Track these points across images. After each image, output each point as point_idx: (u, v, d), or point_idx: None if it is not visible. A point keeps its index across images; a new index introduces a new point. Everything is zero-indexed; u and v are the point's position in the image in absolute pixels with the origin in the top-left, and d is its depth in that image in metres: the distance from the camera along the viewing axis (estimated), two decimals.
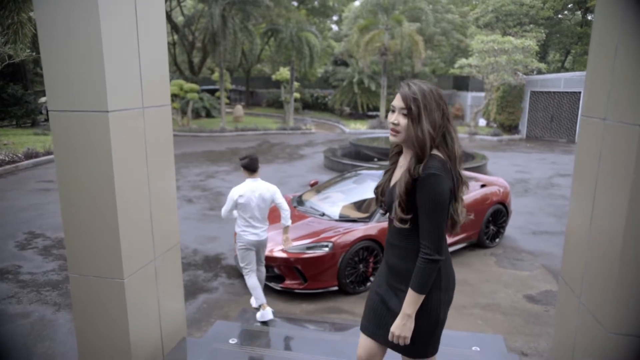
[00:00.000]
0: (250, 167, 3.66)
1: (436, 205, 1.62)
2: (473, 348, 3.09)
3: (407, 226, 1.67)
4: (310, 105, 27.44)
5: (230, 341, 3.03)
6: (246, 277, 3.74)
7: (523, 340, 3.55)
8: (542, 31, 23.14)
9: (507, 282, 4.58)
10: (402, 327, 1.68)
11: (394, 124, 1.69)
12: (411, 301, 1.66)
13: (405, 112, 1.66)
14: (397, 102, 1.69)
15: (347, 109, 25.60)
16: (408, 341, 1.71)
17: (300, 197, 5.22)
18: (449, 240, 5.06)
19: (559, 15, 26.59)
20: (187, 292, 4.17)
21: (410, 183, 1.65)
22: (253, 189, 3.63)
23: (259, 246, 3.75)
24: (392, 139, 1.71)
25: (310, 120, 22.61)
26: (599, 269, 2.22)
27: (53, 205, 7.51)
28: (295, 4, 25.91)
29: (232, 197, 3.63)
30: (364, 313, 1.92)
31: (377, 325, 1.83)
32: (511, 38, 17.56)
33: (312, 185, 5.70)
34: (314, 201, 5.00)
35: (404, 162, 1.78)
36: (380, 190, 1.86)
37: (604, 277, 2.15)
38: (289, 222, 3.69)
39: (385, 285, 1.83)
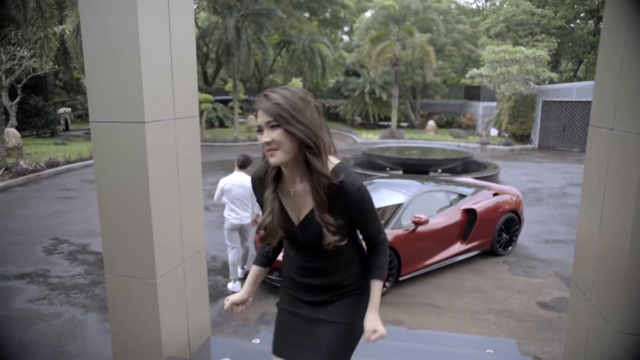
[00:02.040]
0: (241, 163, 4.70)
1: (373, 207, 1.55)
2: (487, 351, 3.18)
3: (344, 243, 1.51)
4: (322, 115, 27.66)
5: (254, 341, 3.17)
6: (229, 254, 4.71)
7: (536, 345, 3.63)
8: (554, 40, 23.17)
9: (520, 289, 4.66)
10: (378, 321, 1.59)
11: (267, 143, 1.43)
12: (379, 291, 1.61)
13: (274, 124, 1.42)
14: (261, 118, 1.44)
15: (359, 119, 25.79)
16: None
17: None
18: (463, 247, 5.17)
19: (571, 25, 26.59)
20: (209, 296, 4.32)
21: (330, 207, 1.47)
22: (235, 180, 4.58)
23: (241, 229, 4.72)
24: (272, 160, 1.45)
25: None
26: (609, 272, 2.32)
27: (74, 213, 7.75)
28: (307, 15, 26.31)
29: (220, 185, 4.64)
30: (279, 335, 1.75)
31: (300, 346, 1.67)
32: (522, 48, 17.65)
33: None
34: None
35: (296, 187, 1.54)
36: (276, 225, 1.56)
37: (614, 279, 2.26)
38: (259, 212, 4.56)
39: (307, 307, 1.67)
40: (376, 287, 1.61)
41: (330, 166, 1.47)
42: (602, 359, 2.38)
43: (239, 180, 4.61)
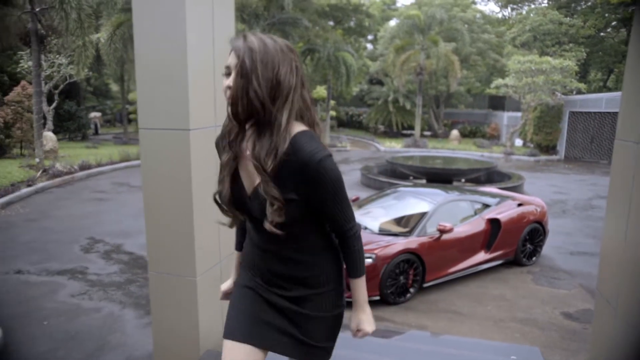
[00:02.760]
0: None
1: (340, 189, 1.31)
2: (511, 357, 3.25)
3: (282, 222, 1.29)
4: (345, 123, 27.88)
5: None
6: None
7: (561, 355, 3.67)
8: (583, 50, 22.81)
9: (544, 299, 4.68)
10: (364, 319, 1.51)
11: (228, 87, 1.25)
12: (361, 288, 1.49)
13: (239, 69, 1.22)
14: (231, 58, 1.26)
15: (382, 127, 25.86)
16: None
17: None
18: (487, 256, 5.22)
19: (602, 34, 26.11)
20: None
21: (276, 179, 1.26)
22: None
23: None
24: (229, 110, 1.27)
25: (346, 137, 22.98)
26: (634, 282, 2.38)
27: (108, 215, 8.07)
28: (332, 23, 26.58)
29: None
30: (235, 317, 1.48)
31: (269, 328, 1.45)
32: (549, 58, 17.48)
33: (353, 200, 5.99)
34: (357, 215, 5.28)
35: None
36: (226, 196, 1.36)
37: (636, 277, 2.32)
38: None
39: (281, 299, 1.45)
40: (356, 285, 1.48)
41: (294, 132, 1.27)
42: None
43: None
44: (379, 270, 4.28)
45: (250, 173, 1.34)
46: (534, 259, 5.68)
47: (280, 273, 1.43)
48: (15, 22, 10.29)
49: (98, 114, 25.31)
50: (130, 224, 7.28)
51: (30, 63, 12.92)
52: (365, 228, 4.92)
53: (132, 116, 24.09)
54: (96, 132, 23.58)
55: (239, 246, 1.68)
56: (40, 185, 10.13)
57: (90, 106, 27.25)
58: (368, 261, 4.28)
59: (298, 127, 1.29)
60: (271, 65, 1.22)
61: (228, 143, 1.33)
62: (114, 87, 30.27)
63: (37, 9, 10.39)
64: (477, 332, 3.94)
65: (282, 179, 1.27)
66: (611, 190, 2.72)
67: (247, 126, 1.30)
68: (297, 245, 1.39)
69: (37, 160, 11.41)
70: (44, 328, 3.83)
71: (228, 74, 1.26)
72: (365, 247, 4.36)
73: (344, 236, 1.40)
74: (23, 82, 12.71)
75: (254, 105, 1.22)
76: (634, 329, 2.33)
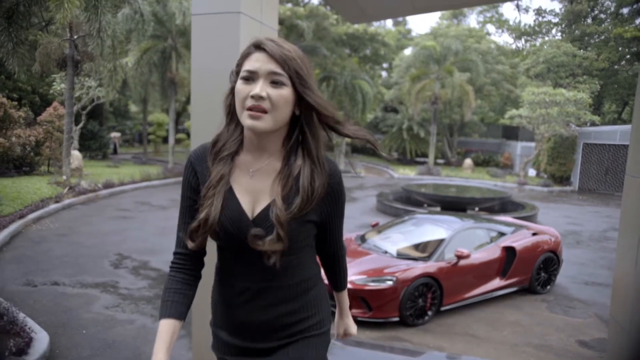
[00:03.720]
0: None
1: (345, 198, 1.27)
2: None
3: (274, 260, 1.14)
4: (359, 149, 28.25)
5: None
6: None
7: None
8: (597, 82, 23.04)
9: (559, 326, 4.82)
10: (350, 323, 1.53)
11: (259, 97, 1.08)
12: (347, 295, 1.51)
13: (280, 80, 1.10)
14: (263, 64, 1.09)
15: (395, 154, 26.17)
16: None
17: (363, 236, 5.74)
18: (502, 283, 5.38)
19: (615, 66, 26.36)
20: None
21: (322, 196, 1.16)
22: None
23: None
24: (255, 124, 1.09)
25: (360, 164, 23.30)
26: None
27: (133, 232, 8.38)
28: (348, 51, 27.30)
29: None
30: None
31: None
32: (563, 90, 17.74)
33: (373, 226, 6.24)
34: (376, 240, 5.51)
35: (259, 165, 1.18)
36: (214, 220, 1.13)
37: None
38: None
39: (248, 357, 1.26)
40: (342, 296, 1.49)
41: None
42: None
43: None
44: (399, 293, 4.48)
45: (253, 192, 1.16)
46: (548, 287, 5.81)
47: (263, 320, 1.20)
48: (56, 49, 10.90)
49: (118, 134, 26.06)
50: (155, 242, 7.56)
51: (62, 85, 13.58)
52: (386, 252, 5.14)
53: (150, 137, 24.76)
54: (115, 152, 24.25)
55: (177, 311, 1.20)
56: (67, 201, 10.53)
57: (111, 126, 28.07)
58: (389, 283, 4.48)
59: None
60: (310, 76, 1.14)
61: (223, 156, 1.16)
62: (133, 108, 31.19)
63: (75, 37, 11.02)
64: (493, 355, 4.10)
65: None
66: (622, 222, 2.93)
67: (256, 137, 1.15)
68: (292, 276, 1.20)
69: (64, 177, 11.87)
70: (83, 336, 4.08)
71: (250, 79, 1.10)
72: (386, 270, 4.60)
73: (336, 254, 1.37)
74: (55, 103, 13.31)
75: (287, 119, 1.14)
76: None
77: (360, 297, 4.47)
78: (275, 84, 1.09)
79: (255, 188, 1.17)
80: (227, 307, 1.24)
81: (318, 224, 1.22)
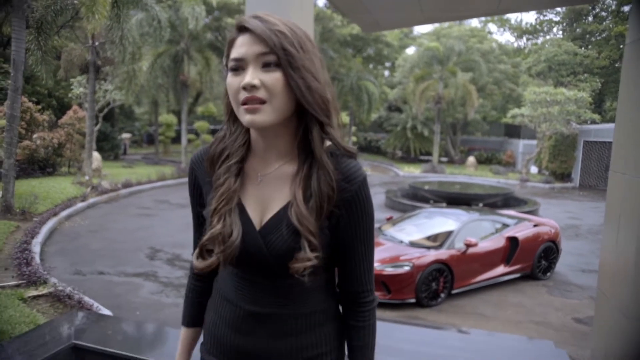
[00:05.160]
0: None
1: (373, 221, 1.04)
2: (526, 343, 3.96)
3: (319, 276, 1.01)
4: (364, 148, 28.80)
5: None
6: None
7: (571, 349, 4.35)
8: (598, 80, 23.50)
9: (558, 307, 5.37)
10: None
11: (252, 87, 0.90)
12: None
13: (271, 60, 0.91)
14: (248, 47, 0.92)
15: (399, 153, 26.71)
16: None
17: (380, 228, 6.30)
18: (506, 269, 5.93)
19: (616, 64, 26.79)
20: None
21: (332, 200, 0.96)
22: None
23: None
24: (253, 119, 0.91)
25: (366, 162, 23.86)
26: (623, 277, 3.12)
27: (159, 228, 8.95)
28: (350, 50, 27.84)
29: None
30: None
31: None
32: (564, 90, 18.24)
33: (388, 219, 6.81)
34: (392, 231, 6.06)
35: (268, 169, 1.02)
36: (237, 238, 0.97)
37: (626, 282, 3.05)
38: None
39: None
40: None
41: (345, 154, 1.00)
42: (620, 346, 3.14)
43: None
44: (415, 277, 5.04)
45: (261, 200, 1.01)
46: (548, 274, 6.36)
47: (266, 353, 1.03)
48: (79, 55, 11.48)
49: (128, 135, 26.67)
50: (182, 237, 8.12)
51: (81, 89, 14.17)
52: (401, 242, 5.69)
53: (160, 137, 25.37)
54: (125, 152, 24.87)
55: (193, 320, 1.19)
56: (91, 200, 11.11)
57: (121, 128, 28.69)
58: (406, 269, 5.04)
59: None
60: (309, 56, 0.93)
61: (231, 164, 1.00)
62: (138, 110, 31.83)
63: (97, 43, 11.60)
64: (499, 330, 4.65)
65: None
66: (607, 211, 3.48)
67: (260, 135, 0.99)
68: (303, 302, 1.03)
69: (86, 177, 12.46)
70: (138, 317, 4.65)
71: (238, 69, 0.92)
72: (402, 257, 5.17)
73: (359, 299, 1.06)
74: (75, 107, 13.90)
75: (292, 108, 0.94)
76: (624, 314, 3.05)
77: (380, 281, 5.02)
78: (268, 66, 0.90)
79: (264, 196, 1.00)
80: (228, 333, 1.05)
81: (333, 242, 1.00)
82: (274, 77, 0.90)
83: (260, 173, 1.02)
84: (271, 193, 1.01)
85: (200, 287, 1.20)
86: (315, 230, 0.95)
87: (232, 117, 1.02)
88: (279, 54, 0.89)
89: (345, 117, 21.44)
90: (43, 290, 4.81)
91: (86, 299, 4.58)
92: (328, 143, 0.99)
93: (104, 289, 5.43)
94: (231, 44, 0.95)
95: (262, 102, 0.91)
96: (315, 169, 0.96)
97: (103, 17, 8.70)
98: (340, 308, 1.12)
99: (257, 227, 1.00)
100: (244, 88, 0.90)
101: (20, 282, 5.04)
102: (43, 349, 2.22)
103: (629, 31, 3.00)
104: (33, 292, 4.75)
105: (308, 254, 0.93)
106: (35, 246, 6.54)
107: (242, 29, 0.93)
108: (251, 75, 0.90)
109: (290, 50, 0.90)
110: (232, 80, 0.93)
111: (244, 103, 0.91)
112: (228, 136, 1.03)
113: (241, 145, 1.02)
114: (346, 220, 0.99)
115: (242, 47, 0.92)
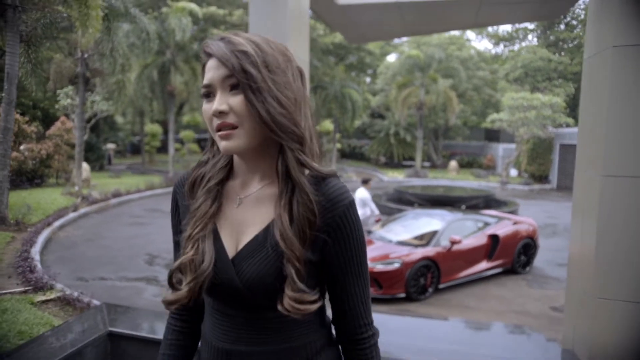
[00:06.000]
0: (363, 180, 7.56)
1: (364, 248, 0.95)
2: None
3: (314, 307, 0.88)
4: (348, 154, 29.26)
5: None
6: None
7: (548, 334, 4.74)
8: (571, 85, 24.43)
9: (536, 297, 5.79)
10: None
11: (220, 113, 0.87)
12: None
13: (235, 82, 0.86)
14: (213, 72, 0.88)
15: (383, 159, 27.23)
16: None
17: (369, 230, 6.66)
18: (489, 265, 6.33)
19: None
20: None
21: (313, 224, 0.88)
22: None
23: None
24: (226, 145, 0.88)
25: (350, 168, 24.28)
26: (586, 263, 3.52)
27: (154, 236, 9.15)
28: (333, 59, 28.38)
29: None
30: None
31: None
32: (539, 95, 18.97)
33: (377, 221, 7.19)
34: (381, 232, 6.43)
35: (249, 191, 0.96)
36: (209, 264, 0.90)
37: (589, 267, 3.45)
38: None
39: None
40: None
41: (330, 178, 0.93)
42: (585, 323, 3.53)
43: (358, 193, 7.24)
44: (404, 273, 5.40)
45: (237, 224, 0.95)
46: (527, 268, 6.79)
47: None
48: (68, 67, 11.65)
49: (112, 146, 26.63)
50: None
51: (68, 100, 14.26)
52: (390, 241, 6.06)
53: (146, 147, 25.41)
54: (109, 163, 24.84)
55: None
56: (82, 210, 11.23)
57: (105, 138, 28.61)
58: (396, 265, 5.39)
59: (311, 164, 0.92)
60: (277, 74, 0.88)
61: (211, 186, 0.96)
62: (119, 120, 31.77)
63: (86, 55, 11.78)
64: (483, 319, 5.03)
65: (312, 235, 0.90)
66: (573, 206, 3.90)
67: (240, 159, 0.96)
68: (288, 340, 0.94)
69: (76, 188, 12.55)
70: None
71: (209, 95, 0.90)
72: (391, 255, 5.52)
73: (357, 338, 0.97)
74: (62, 118, 13.99)
75: (265, 130, 0.87)
76: (588, 291, 3.43)
77: (372, 278, 5.36)
78: (235, 88, 0.87)
79: (240, 220, 0.95)
80: None
81: (320, 274, 0.93)
82: (239, 101, 0.86)
83: (240, 195, 0.96)
84: (248, 216, 0.94)
85: (180, 327, 1.06)
86: (301, 256, 0.86)
87: (213, 140, 0.96)
88: (239, 77, 0.85)
89: (329, 125, 21.85)
90: (51, 295, 5.02)
91: (95, 301, 4.80)
92: (315, 164, 0.92)
93: (108, 293, 5.65)
94: (203, 69, 0.92)
95: (234, 127, 0.87)
96: (295, 192, 0.89)
97: (97, 31, 8.92)
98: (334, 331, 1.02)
99: (231, 254, 0.93)
100: (214, 115, 0.88)
101: (26, 288, 5.23)
102: (82, 336, 2.48)
103: (585, 47, 3.43)
104: (41, 297, 4.96)
105: (296, 283, 0.85)
106: (35, 255, 6.70)
107: (207, 53, 0.90)
108: (218, 102, 0.87)
109: (251, 71, 0.85)
110: (205, 107, 0.90)
111: (218, 129, 0.88)
112: (210, 159, 1.00)
113: (222, 168, 0.98)
114: (333, 249, 0.91)
115: (209, 72, 0.89)
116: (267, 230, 0.91)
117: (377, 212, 7.44)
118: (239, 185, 0.97)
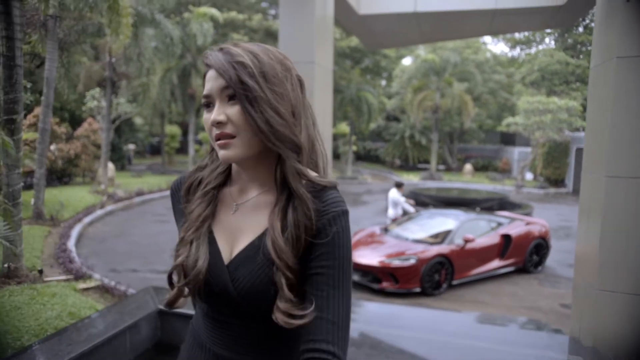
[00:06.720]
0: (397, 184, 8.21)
1: (350, 264, 0.90)
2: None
3: (305, 321, 0.84)
4: (363, 157, 29.52)
5: None
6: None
7: (556, 327, 4.98)
8: None
9: (547, 295, 6.01)
10: None
11: (218, 124, 0.89)
12: None
13: (232, 93, 0.88)
14: (212, 82, 0.90)
15: (398, 161, 27.42)
16: None
17: (386, 228, 6.95)
18: (501, 263, 6.57)
19: None
20: None
21: (310, 231, 0.88)
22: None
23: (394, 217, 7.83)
24: (225, 155, 0.90)
25: (365, 171, 24.56)
26: (591, 260, 3.76)
27: (176, 233, 9.53)
28: (349, 62, 28.68)
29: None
30: None
31: None
32: (556, 99, 18.99)
33: (393, 220, 7.49)
34: (397, 230, 6.71)
35: (247, 197, 0.97)
36: (203, 267, 0.92)
37: (593, 263, 3.70)
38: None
39: None
40: None
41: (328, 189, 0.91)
42: (591, 313, 3.77)
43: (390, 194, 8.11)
44: (420, 269, 5.68)
45: (233, 230, 0.96)
46: (539, 268, 7.00)
47: None
48: (97, 71, 12.19)
49: (133, 146, 27.34)
50: None
51: (95, 102, 14.85)
52: (406, 239, 6.34)
53: (165, 148, 26.04)
54: (130, 163, 25.52)
55: None
56: (108, 208, 11.73)
57: (125, 139, 29.35)
58: (411, 262, 5.68)
59: (309, 174, 0.92)
60: (276, 85, 0.89)
61: (207, 190, 0.98)
62: (138, 121, 32.52)
63: (114, 60, 12.31)
64: (495, 313, 5.28)
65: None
66: (580, 206, 4.14)
67: (240, 167, 0.97)
68: (294, 354, 0.91)
69: (102, 186, 13.08)
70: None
71: (208, 105, 0.91)
72: (407, 252, 5.80)
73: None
74: (90, 119, 14.57)
75: (282, 138, 0.88)
76: (592, 283, 3.66)
77: (389, 273, 5.66)
78: (233, 99, 0.88)
79: (236, 226, 0.96)
80: None
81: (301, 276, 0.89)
82: (236, 111, 0.88)
83: (237, 202, 0.97)
84: (244, 223, 0.95)
85: None
86: (293, 266, 0.86)
87: (212, 148, 0.98)
88: (235, 88, 0.86)
89: (345, 127, 22.16)
90: (91, 284, 5.43)
91: (131, 290, 5.19)
92: (314, 173, 0.92)
93: (140, 283, 6.02)
94: (204, 79, 0.93)
95: (232, 136, 0.89)
96: (292, 200, 0.89)
97: (127, 37, 9.39)
98: None
99: (226, 260, 0.93)
100: (213, 125, 0.89)
101: (68, 277, 5.65)
102: (135, 313, 2.83)
103: (592, 57, 3.69)
104: (83, 285, 5.37)
105: (287, 294, 0.84)
106: (72, 247, 7.15)
107: (206, 64, 0.92)
108: (217, 112, 0.88)
109: (248, 82, 0.86)
110: (205, 116, 0.92)
111: (217, 139, 0.90)
112: (209, 165, 1.01)
113: (220, 173, 0.99)
114: (319, 250, 0.87)
115: (208, 82, 0.90)
116: (261, 238, 0.91)
117: (412, 210, 8.11)
118: (236, 192, 0.98)
